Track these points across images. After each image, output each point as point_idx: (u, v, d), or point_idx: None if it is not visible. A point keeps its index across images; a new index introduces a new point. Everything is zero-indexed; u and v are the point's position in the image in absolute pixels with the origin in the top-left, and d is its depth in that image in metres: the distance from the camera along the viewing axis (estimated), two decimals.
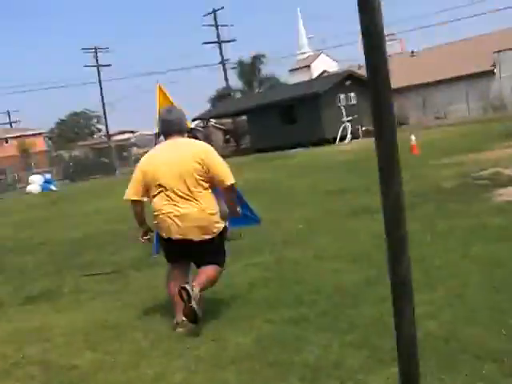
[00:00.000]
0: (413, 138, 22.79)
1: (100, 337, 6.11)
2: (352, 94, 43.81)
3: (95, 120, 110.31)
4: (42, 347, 6.05)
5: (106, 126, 72.61)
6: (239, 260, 8.66)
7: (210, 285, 6.14)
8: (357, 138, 41.31)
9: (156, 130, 11.24)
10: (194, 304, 5.60)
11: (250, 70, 69.47)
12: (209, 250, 6.13)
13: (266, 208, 12.90)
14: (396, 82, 47.85)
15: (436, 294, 5.87)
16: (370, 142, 36.09)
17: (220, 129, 62.71)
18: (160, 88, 11.05)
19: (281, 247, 9.24)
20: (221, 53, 63.24)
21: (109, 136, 72.16)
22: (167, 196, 6.02)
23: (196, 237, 5.99)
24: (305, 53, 69.89)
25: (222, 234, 6.29)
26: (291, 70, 68.13)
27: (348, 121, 41.46)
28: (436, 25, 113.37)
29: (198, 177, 5.99)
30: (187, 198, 5.97)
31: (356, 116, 41.72)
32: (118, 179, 45.12)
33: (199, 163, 5.98)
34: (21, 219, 20.93)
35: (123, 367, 5.20)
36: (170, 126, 6.32)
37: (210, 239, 6.07)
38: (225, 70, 63.67)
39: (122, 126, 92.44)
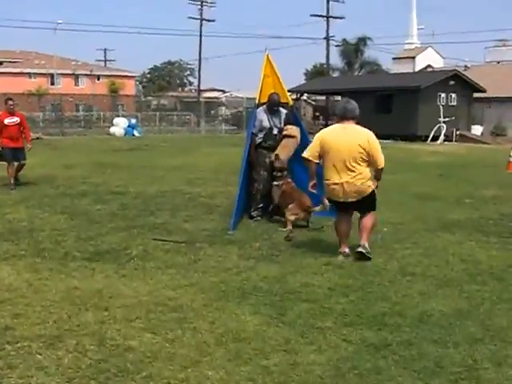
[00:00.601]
0: None
1: (162, 318, 5.67)
2: (453, 95, 42.70)
3: (188, 72, 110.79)
4: (99, 316, 5.66)
5: (199, 81, 72.66)
6: (321, 257, 8.16)
7: (371, 231, 8.37)
8: (450, 140, 40.28)
9: (256, 101, 10.78)
10: (365, 252, 7.97)
11: (353, 50, 68.40)
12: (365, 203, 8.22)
13: None
14: (501, 90, 46.34)
15: None
16: (463, 147, 35.34)
17: (311, 104, 62.03)
18: (268, 57, 10.59)
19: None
20: (327, 28, 62.34)
21: (199, 91, 72.17)
22: (334, 167, 8.03)
23: (355, 198, 8.11)
24: (412, 43, 68.15)
25: (373, 192, 8.22)
26: (395, 59, 66.64)
27: (444, 122, 40.31)
28: None
29: (360, 157, 7.97)
30: (351, 170, 7.96)
31: (453, 118, 40.60)
32: (202, 136, 45.19)
33: (364, 148, 7.96)
34: (98, 162, 20.85)
35: (182, 362, 4.73)
36: (348, 113, 8.21)
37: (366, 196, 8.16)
38: (328, 47, 62.78)
39: (213, 84, 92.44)
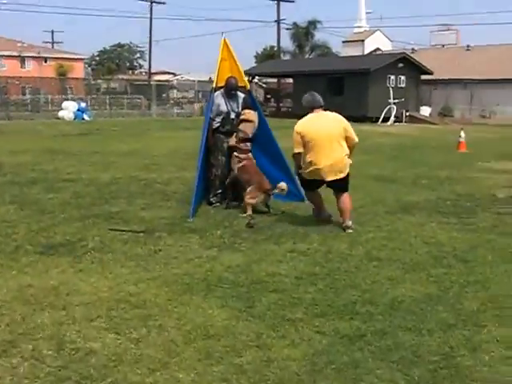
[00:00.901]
0: (462, 134, 21.87)
1: (125, 316, 5.34)
2: (402, 77, 43.18)
3: (138, 55, 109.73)
4: (57, 316, 5.30)
5: (149, 64, 71.81)
6: (285, 243, 7.97)
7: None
8: (400, 121, 40.77)
9: (213, 85, 10.50)
10: (351, 228, 8.77)
11: (303, 34, 68.34)
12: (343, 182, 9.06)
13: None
14: (446, 72, 47.12)
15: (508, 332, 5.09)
16: (413, 128, 35.64)
17: (262, 87, 61.83)
18: (225, 41, 10.35)
19: (327, 235, 8.43)
20: (278, 11, 61.99)
21: (150, 74, 71.27)
22: (320, 152, 8.78)
23: (336, 177, 8.90)
24: (361, 27, 68.22)
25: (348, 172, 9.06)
26: (344, 42, 66.63)
27: (394, 103, 40.62)
28: (496, 24, 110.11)
29: (340, 137, 8.87)
30: (335, 150, 8.80)
31: (403, 99, 40.97)
32: (153, 119, 44.62)
33: (340, 128, 8.90)
34: (48, 148, 20.23)
35: (150, 364, 4.42)
36: (316, 103, 9.14)
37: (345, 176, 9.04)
38: (279, 30, 62.48)
39: (164, 67, 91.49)
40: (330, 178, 8.92)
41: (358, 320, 5.31)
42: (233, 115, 10.33)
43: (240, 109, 10.33)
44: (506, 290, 6.13)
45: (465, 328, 5.16)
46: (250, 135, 10.13)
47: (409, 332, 5.08)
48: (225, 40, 10.40)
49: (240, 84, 10.48)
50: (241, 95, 10.47)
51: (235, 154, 10.07)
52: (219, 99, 10.34)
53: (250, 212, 9.43)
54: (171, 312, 5.45)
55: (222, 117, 10.36)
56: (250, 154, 10.08)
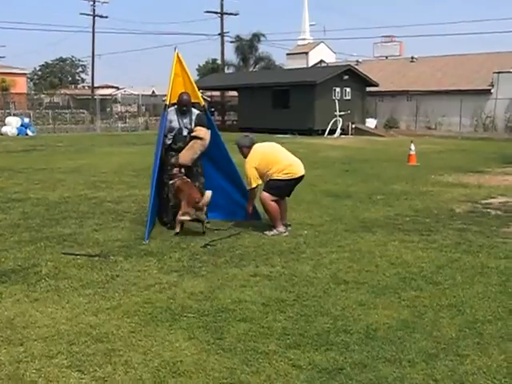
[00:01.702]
0: (412, 147, 21.90)
1: (87, 351, 4.98)
2: (348, 89, 43.14)
3: (80, 69, 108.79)
4: (14, 353, 4.92)
5: (92, 78, 70.86)
6: (246, 266, 7.71)
7: None
8: (346, 134, 40.95)
9: (167, 102, 10.18)
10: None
11: (247, 46, 68.31)
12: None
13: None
14: (391, 84, 47.59)
15: (492, 362, 4.89)
16: (360, 140, 35.71)
17: (206, 101, 61.50)
18: (178, 56, 10.05)
19: (289, 256, 8.20)
20: (221, 24, 61.81)
21: (93, 88, 70.36)
22: (288, 163, 9.80)
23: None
24: (305, 39, 68.45)
25: None
26: (289, 54, 66.76)
27: (340, 115, 40.73)
28: (440, 35, 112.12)
29: None
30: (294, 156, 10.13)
31: (349, 112, 41.12)
32: (97, 134, 43.90)
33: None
34: None
35: None
36: (253, 140, 10.13)
37: None
38: (222, 43, 62.26)
39: (107, 81, 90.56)
40: (302, 173, 9.84)
41: (334, 351, 5.06)
42: (185, 132, 10.04)
43: (193, 125, 10.05)
44: (482, 315, 5.94)
45: (447, 358, 4.94)
46: (189, 162, 9.86)
47: (389, 364, 4.84)
48: (177, 54, 10.09)
49: (194, 100, 10.20)
50: (195, 111, 10.18)
51: (170, 182, 9.82)
52: (171, 115, 10.04)
53: (177, 229, 9.37)
54: (136, 346, 5.12)
55: (173, 133, 10.07)
56: (182, 176, 9.80)
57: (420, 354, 5.03)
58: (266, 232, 9.59)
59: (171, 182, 9.77)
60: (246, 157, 9.84)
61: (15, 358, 4.84)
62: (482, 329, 5.58)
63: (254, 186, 9.64)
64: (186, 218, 9.39)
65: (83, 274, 7.26)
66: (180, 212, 9.38)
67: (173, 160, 9.80)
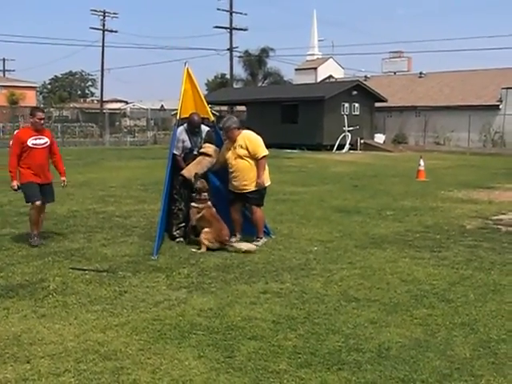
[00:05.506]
0: (422, 162, 21.81)
1: (95, 369, 4.90)
2: (356, 105, 43.12)
3: (90, 83, 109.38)
4: (20, 371, 4.84)
5: (101, 92, 70.91)
6: (256, 283, 7.61)
7: None
8: (355, 149, 40.81)
9: (177, 117, 10.14)
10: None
11: (256, 61, 68.46)
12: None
13: (273, 218, 11.80)
14: (399, 100, 47.55)
15: (508, 383, 4.78)
16: (368, 156, 35.63)
17: (215, 115, 61.55)
18: (188, 71, 10.00)
19: (299, 273, 8.11)
20: (230, 39, 61.92)
21: (102, 102, 70.53)
22: None
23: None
24: (314, 55, 68.65)
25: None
26: (297, 70, 66.94)
27: (349, 131, 40.70)
28: (448, 51, 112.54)
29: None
30: None
31: (357, 127, 41.09)
32: (106, 148, 43.92)
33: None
34: (1, 178, 19.44)
35: None
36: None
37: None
38: (231, 58, 62.35)
39: (115, 95, 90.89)
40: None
41: (346, 370, 4.96)
42: (195, 151, 10.06)
43: (202, 143, 10.05)
44: (496, 334, 5.84)
45: (461, 378, 4.84)
46: (193, 177, 9.81)
47: None
48: (188, 70, 10.05)
49: (203, 115, 10.16)
50: (204, 129, 10.16)
51: (193, 204, 9.75)
52: (183, 135, 10.03)
53: (204, 249, 9.35)
54: (144, 364, 5.03)
55: (185, 152, 10.05)
56: (208, 203, 9.75)
57: (434, 374, 4.93)
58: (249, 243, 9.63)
59: (195, 204, 9.73)
60: (234, 139, 9.78)
61: (21, 376, 4.76)
62: (496, 348, 5.48)
63: (267, 152, 9.92)
64: (212, 245, 9.43)
65: (91, 290, 7.19)
66: (204, 236, 9.42)
67: (198, 184, 9.73)
